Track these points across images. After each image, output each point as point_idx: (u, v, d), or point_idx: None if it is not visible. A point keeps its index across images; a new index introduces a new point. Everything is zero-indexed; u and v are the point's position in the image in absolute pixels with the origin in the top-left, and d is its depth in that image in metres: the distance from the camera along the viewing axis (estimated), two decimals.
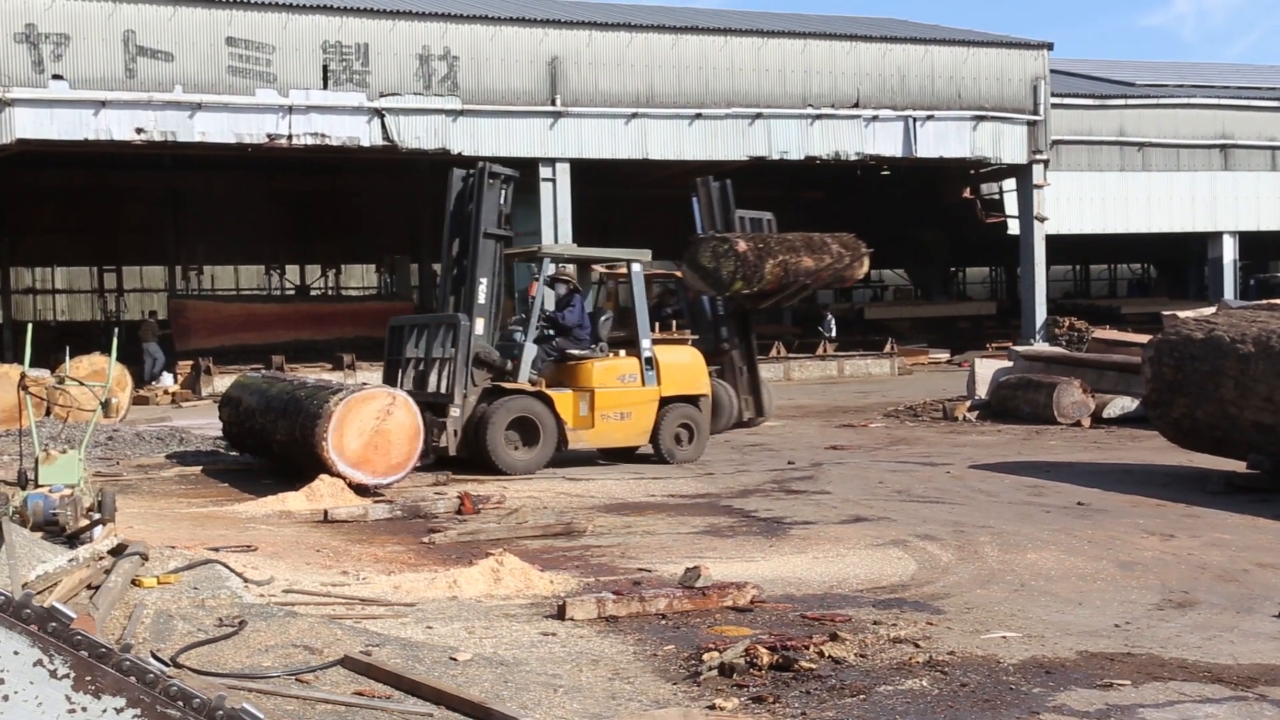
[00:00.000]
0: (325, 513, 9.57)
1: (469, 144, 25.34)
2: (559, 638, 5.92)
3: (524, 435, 12.34)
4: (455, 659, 5.34)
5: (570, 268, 13.46)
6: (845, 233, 17.51)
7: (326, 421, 10.52)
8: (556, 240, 24.91)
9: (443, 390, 12.41)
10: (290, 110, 24.14)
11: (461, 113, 25.19)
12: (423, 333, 12.95)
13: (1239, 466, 10.91)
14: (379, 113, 24.63)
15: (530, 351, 12.63)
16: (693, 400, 13.31)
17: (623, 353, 13.17)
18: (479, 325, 12.44)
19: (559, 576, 7.30)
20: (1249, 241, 34.10)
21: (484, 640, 5.84)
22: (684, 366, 13.46)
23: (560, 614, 6.26)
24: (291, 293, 36.83)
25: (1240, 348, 10.65)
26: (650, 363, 12.98)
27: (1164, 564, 7.66)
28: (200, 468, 12.90)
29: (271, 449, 12.16)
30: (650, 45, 26.64)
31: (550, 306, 13.86)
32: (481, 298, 12.48)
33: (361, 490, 10.59)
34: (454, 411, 12.20)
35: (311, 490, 10.22)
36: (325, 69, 24.36)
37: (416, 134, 25.00)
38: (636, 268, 13.50)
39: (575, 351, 12.95)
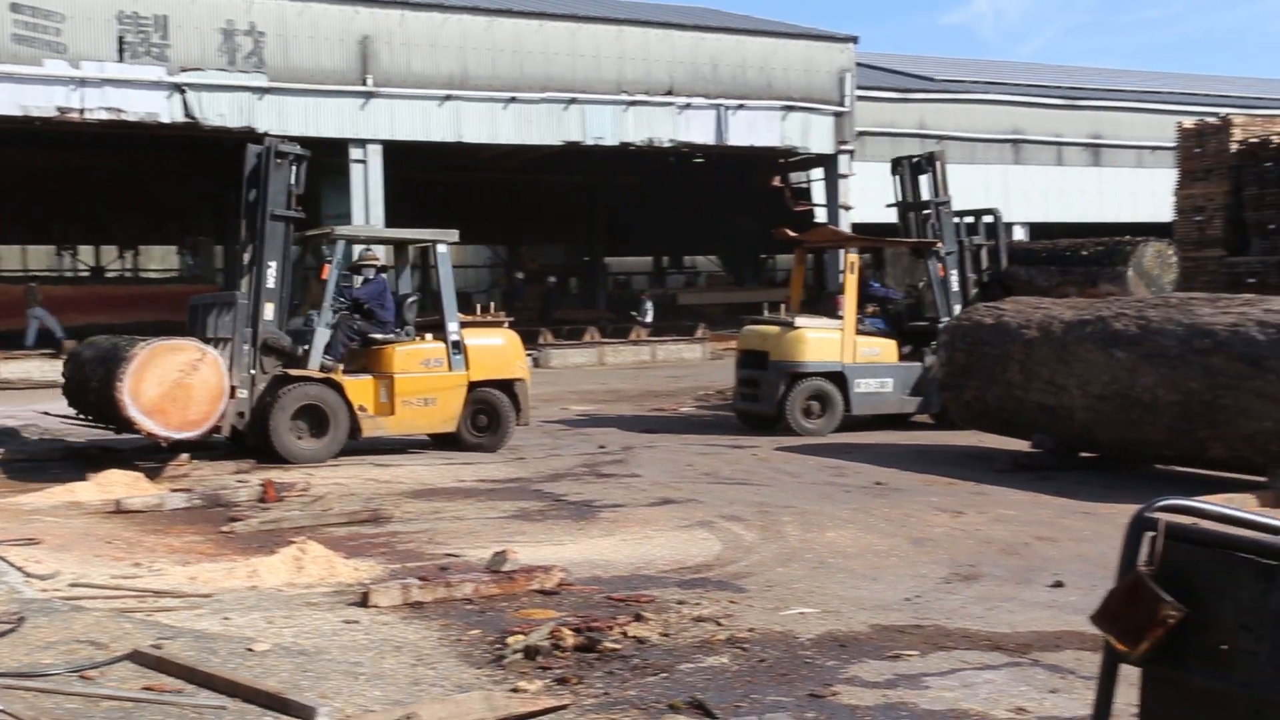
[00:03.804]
0: (118, 503, 9.18)
1: (276, 123, 24.53)
2: (362, 625, 5.83)
3: (315, 423, 11.92)
4: (252, 650, 5.20)
5: (377, 249, 13.04)
6: None
7: (128, 364, 10.47)
8: (368, 223, 24.41)
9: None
10: (83, 83, 22.92)
11: (268, 90, 24.39)
12: (211, 311, 12.35)
13: (1025, 446, 11.50)
14: (179, 88, 23.64)
15: (322, 336, 12.12)
16: (506, 385, 12.97)
17: (429, 336, 12.81)
18: (268, 310, 11.91)
19: (364, 563, 7.20)
20: (1037, 232, 35.80)
21: (284, 630, 5.71)
22: (495, 350, 13.00)
23: (364, 601, 6.18)
24: (86, 275, 35.11)
25: (1026, 333, 11.21)
26: (457, 346, 12.60)
27: (953, 539, 8.02)
28: None
29: (90, 398, 11.82)
30: (464, 27, 26.32)
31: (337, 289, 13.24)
32: (270, 281, 11.92)
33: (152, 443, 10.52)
34: (240, 393, 11.63)
35: (103, 479, 9.78)
36: (121, 40, 23.21)
37: (220, 111, 24.10)
38: (442, 249, 12.97)
39: (378, 336, 12.57)
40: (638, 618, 5.82)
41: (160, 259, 40.73)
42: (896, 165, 16.74)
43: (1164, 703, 2.52)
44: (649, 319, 31.95)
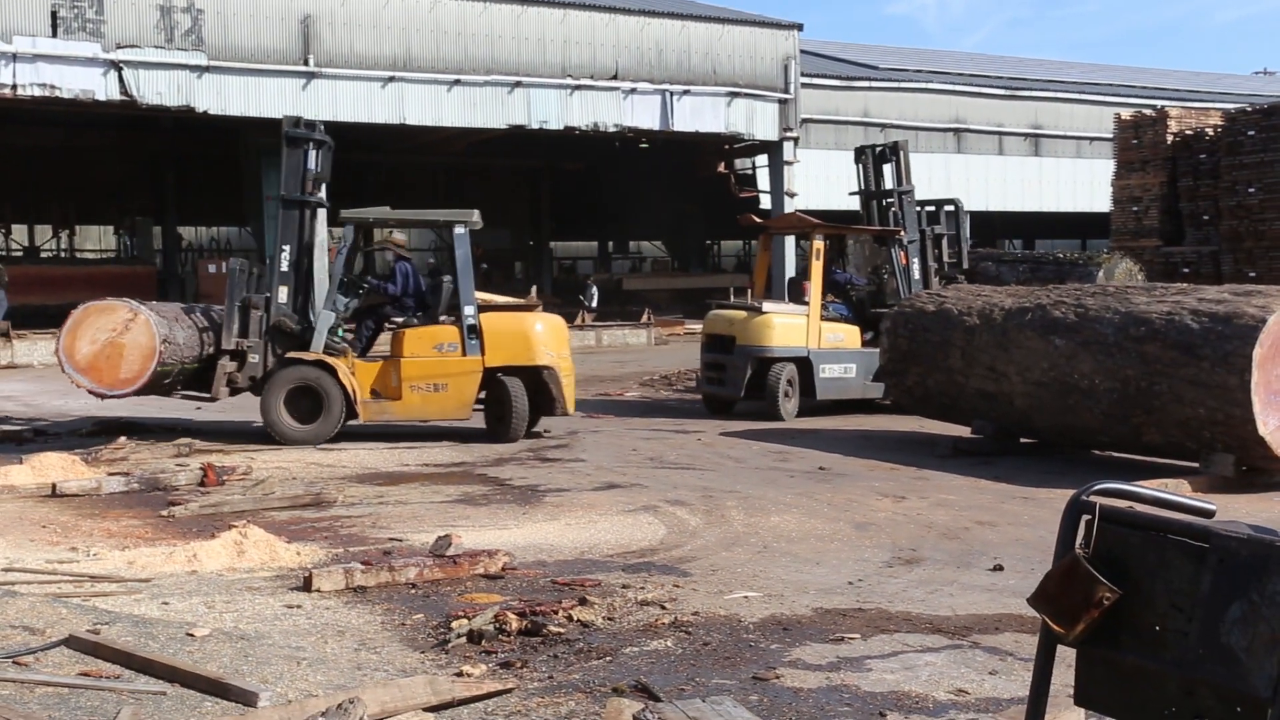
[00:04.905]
0: (54, 486, 9.02)
1: (216, 102, 24.24)
2: (304, 610, 5.80)
3: (314, 406, 11.83)
4: (192, 635, 5.15)
5: (398, 234, 12.89)
6: None
7: (64, 323, 11.15)
8: None
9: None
10: (15, 58, 22.46)
11: (207, 69, 24.04)
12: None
13: (965, 431, 11.64)
14: (116, 65, 23.23)
15: (326, 319, 12.05)
16: (531, 373, 12.15)
17: (447, 320, 12.34)
18: (281, 293, 12.05)
19: (306, 548, 7.14)
20: (978, 221, 36.27)
21: (224, 615, 5.67)
22: (516, 335, 12.16)
23: (306, 585, 6.13)
24: (20, 254, 34.43)
25: (967, 320, 11.34)
26: (473, 331, 11.98)
27: (895, 524, 8.11)
28: None
29: None
30: (407, 8, 26.09)
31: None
32: (284, 265, 12.11)
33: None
34: (252, 357, 11.94)
35: (38, 463, 9.61)
36: (54, 16, 22.77)
37: (158, 89, 23.71)
38: (460, 230, 12.23)
39: (398, 320, 12.40)
40: (582, 602, 5.83)
41: (97, 239, 40.05)
42: (860, 154, 16.93)
43: (1099, 682, 2.57)
44: (594, 304, 31.95)
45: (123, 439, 11.30)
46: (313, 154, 12.43)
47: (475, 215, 12.58)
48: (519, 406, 12.04)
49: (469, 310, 12.09)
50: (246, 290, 12.15)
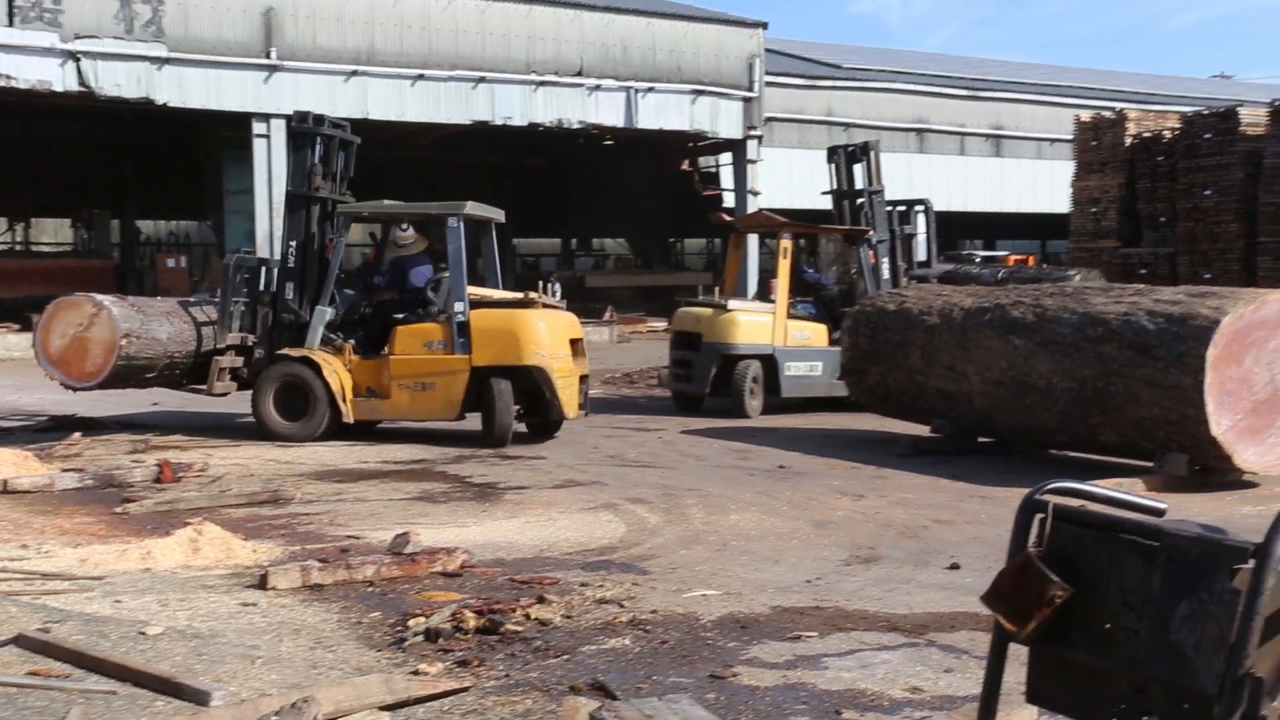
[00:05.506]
0: (5, 482, 8.89)
1: (176, 94, 24.00)
2: (260, 608, 5.75)
3: (305, 403, 11.73)
4: (145, 633, 5.09)
5: (409, 229, 12.53)
6: None
7: (40, 317, 11.76)
8: (271, 200, 23.95)
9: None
10: None
11: (168, 61, 23.79)
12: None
13: (925, 430, 11.70)
14: (74, 56, 22.95)
15: (320, 315, 11.94)
16: (524, 372, 11.58)
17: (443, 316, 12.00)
18: (288, 289, 12.09)
19: (263, 545, 7.08)
20: (940, 221, 36.43)
21: (178, 613, 5.61)
22: (505, 334, 11.58)
23: (262, 583, 6.08)
24: None
25: (927, 319, 11.39)
26: (462, 328, 11.54)
27: (854, 522, 8.14)
28: None
29: None
30: (372, 2, 25.94)
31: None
32: (290, 260, 12.15)
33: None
34: (257, 353, 12.16)
35: None
36: (11, 4, 22.46)
37: (117, 81, 23.44)
38: (453, 222, 11.76)
39: (398, 316, 12.19)
40: (540, 600, 5.81)
41: (54, 232, 39.55)
42: (832, 154, 17.10)
43: (1050, 680, 2.59)
44: (556, 299, 31.85)
45: (77, 435, 11.18)
46: (321, 149, 12.29)
47: (466, 205, 12.09)
48: (502, 408, 11.56)
49: (459, 307, 11.66)
50: (260, 286, 12.32)
